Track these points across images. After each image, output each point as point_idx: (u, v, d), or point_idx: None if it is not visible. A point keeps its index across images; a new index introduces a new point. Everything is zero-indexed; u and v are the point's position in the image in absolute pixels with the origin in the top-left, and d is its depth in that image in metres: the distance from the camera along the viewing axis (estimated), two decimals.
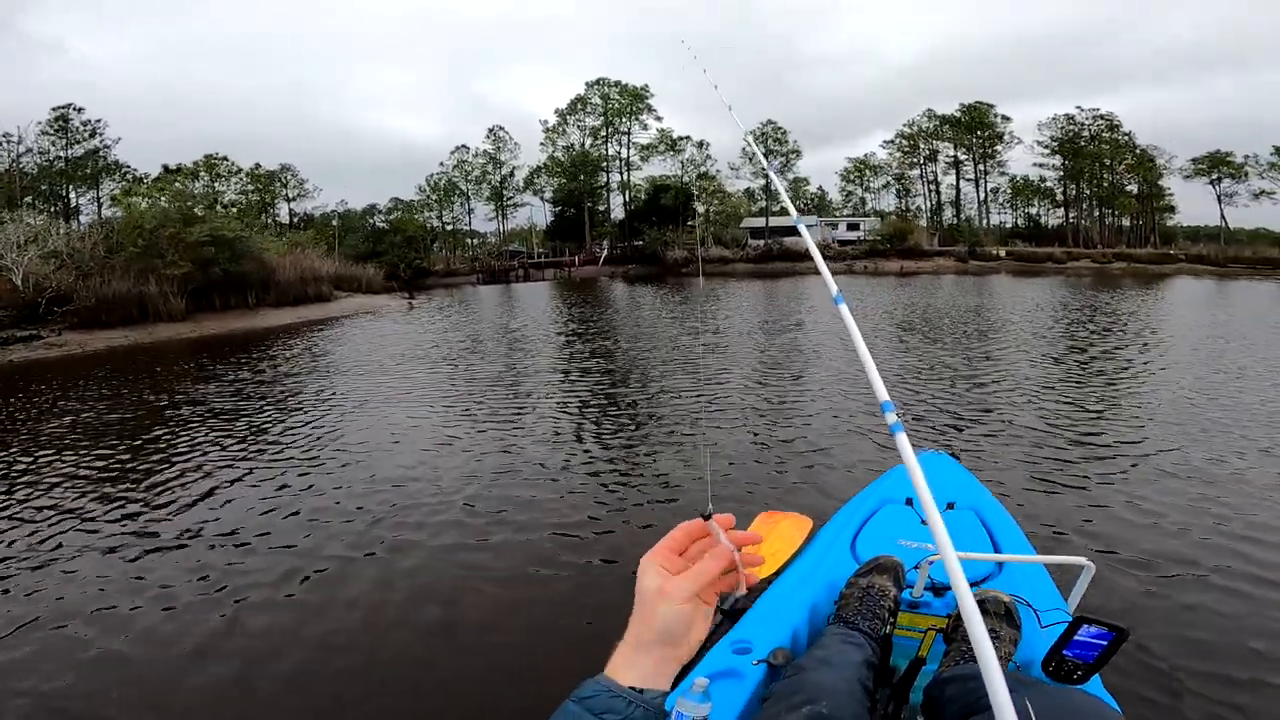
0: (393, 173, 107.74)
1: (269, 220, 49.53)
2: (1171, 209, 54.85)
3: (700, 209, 52.97)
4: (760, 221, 50.77)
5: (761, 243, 48.03)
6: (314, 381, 9.37)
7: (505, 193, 53.77)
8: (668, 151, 51.78)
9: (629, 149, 52.25)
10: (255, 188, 49.81)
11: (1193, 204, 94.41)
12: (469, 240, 56.63)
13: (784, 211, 53.53)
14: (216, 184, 46.08)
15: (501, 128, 53.36)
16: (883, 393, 0.87)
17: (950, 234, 51.39)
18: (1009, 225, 58.93)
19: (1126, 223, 55.02)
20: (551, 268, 45.42)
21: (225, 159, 46.90)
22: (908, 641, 1.85)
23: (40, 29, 72.69)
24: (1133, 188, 52.59)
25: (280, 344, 13.84)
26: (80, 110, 38.89)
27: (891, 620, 1.78)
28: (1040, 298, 20.73)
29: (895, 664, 1.79)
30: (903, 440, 0.79)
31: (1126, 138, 51.63)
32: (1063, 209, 56.25)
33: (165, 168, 41.88)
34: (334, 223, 52.12)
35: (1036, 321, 14.40)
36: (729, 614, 2.43)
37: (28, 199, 36.02)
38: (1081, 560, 1.78)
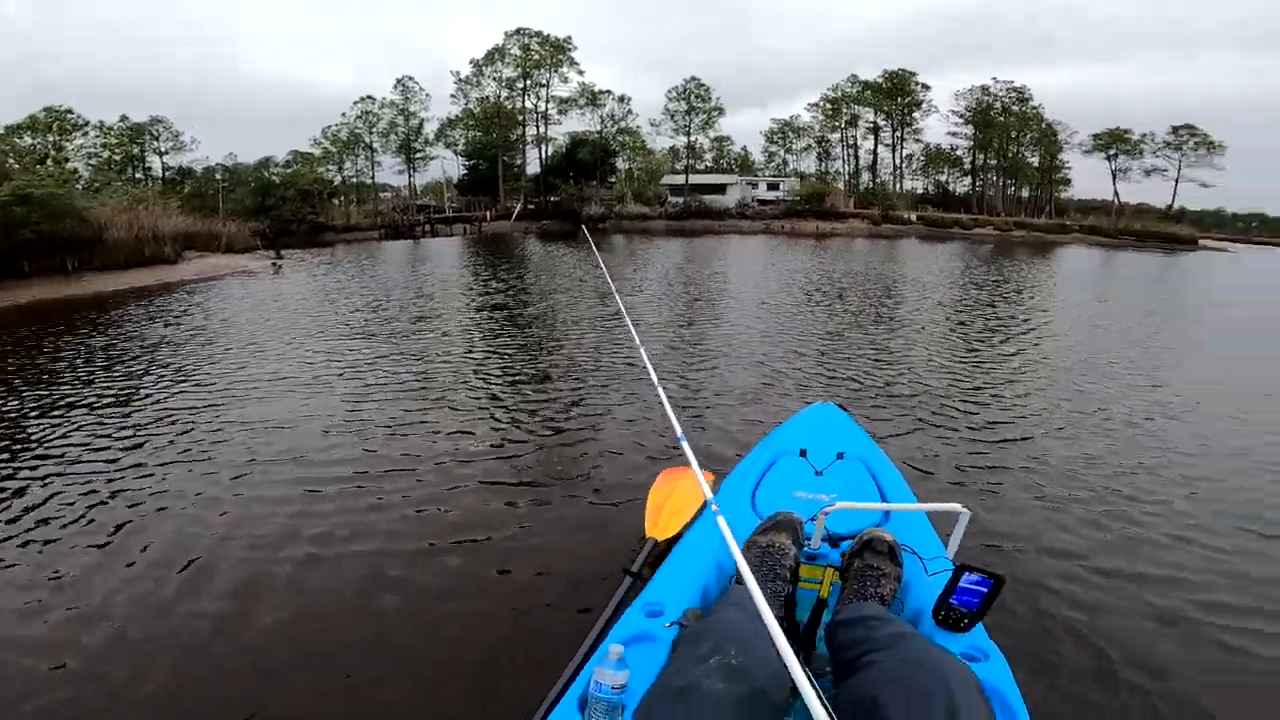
0: (297, 124, 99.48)
1: (136, 175, 44.45)
2: (1067, 181, 57.69)
3: (621, 165, 51.30)
4: (681, 179, 49.62)
5: (681, 200, 47.03)
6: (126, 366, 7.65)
7: (414, 145, 50.20)
8: (588, 106, 49.40)
9: (548, 102, 49.55)
10: (118, 141, 44.24)
11: (1085, 178, 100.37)
12: (380, 194, 52.72)
13: (706, 170, 52.70)
14: (62, 139, 40.18)
15: (411, 78, 49.46)
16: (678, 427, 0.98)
17: (864, 197, 52.04)
18: (920, 191, 60.42)
19: (1026, 193, 57.41)
20: (462, 223, 42.68)
21: (70, 111, 40.87)
22: (808, 593, 1.89)
23: None
24: (1034, 159, 54.77)
25: (88, 317, 11.65)
26: None
27: (793, 582, 1.78)
28: (947, 265, 20.90)
29: (799, 619, 1.81)
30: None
31: (1035, 110, 53.39)
32: (970, 177, 58.05)
33: None
34: (217, 176, 47.29)
35: (939, 287, 14.79)
36: (638, 575, 2.40)
37: None
38: (957, 507, 1.82)
